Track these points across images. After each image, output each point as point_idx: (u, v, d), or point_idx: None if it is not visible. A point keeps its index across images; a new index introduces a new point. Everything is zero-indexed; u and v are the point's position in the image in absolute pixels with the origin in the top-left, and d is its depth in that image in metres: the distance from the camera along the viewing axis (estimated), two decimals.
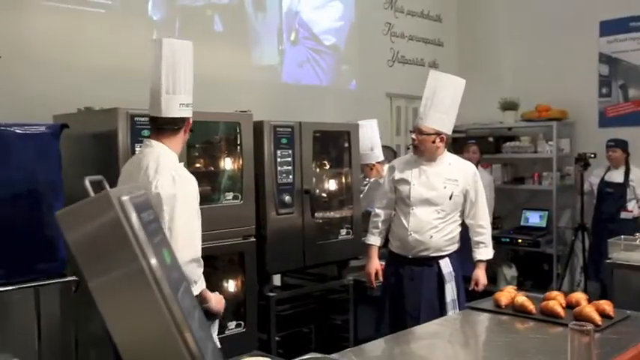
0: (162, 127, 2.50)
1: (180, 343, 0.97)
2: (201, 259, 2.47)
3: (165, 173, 2.38)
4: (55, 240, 2.87)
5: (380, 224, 3.54)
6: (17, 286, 2.97)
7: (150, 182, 2.35)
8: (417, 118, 3.40)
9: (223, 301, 2.69)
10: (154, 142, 2.50)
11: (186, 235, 2.37)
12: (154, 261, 0.92)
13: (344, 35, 5.68)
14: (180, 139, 2.56)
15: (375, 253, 3.58)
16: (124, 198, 0.89)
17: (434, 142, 3.28)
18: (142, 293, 0.94)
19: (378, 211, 3.58)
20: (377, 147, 4.48)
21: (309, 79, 5.35)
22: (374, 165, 4.48)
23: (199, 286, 2.46)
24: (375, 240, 3.57)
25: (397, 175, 3.42)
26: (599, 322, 2.22)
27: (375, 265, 3.55)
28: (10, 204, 2.92)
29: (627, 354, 1.94)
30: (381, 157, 4.52)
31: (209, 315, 2.56)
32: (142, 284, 0.93)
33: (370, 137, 4.44)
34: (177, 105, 2.50)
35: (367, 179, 4.60)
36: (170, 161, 2.45)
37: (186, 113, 2.54)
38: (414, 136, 3.35)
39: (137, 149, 3.04)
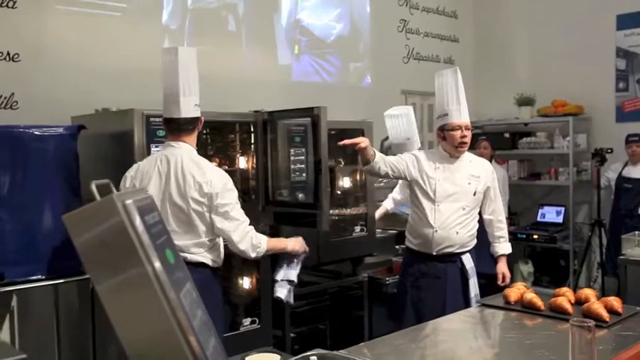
0: (182, 127, 2.75)
1: (184, 346, 1.01)
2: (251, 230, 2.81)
3: (215, 170, 2.77)
4: None
5: (386, 160, 3.30)
6: (36, 284, 3.06)
7: (201, 181, 2.67)
8: (454, 115, 3.29)
9: (296, 242, 3.05)
10: (181, 144, 2.75)
11: (243, 220, 2.76)
12: (157, 265, 0.97)
13: (357, 32, 5.70)
14: (195, 136, 2.82)
15: None
16: (128, 202, 0.94)
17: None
18: (146, 297, 0.98)
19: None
20: (414, 136, 4.25)
21: (321, 79, 5.39)
22: None
23: (263, 248, 2.81)
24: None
25: (420, 169, 3.33)
26: (607, 319, 2.23)
27: None
28: (29, 204, 3.01)
29: (633, 349, 1.94)
30: (419, 145, 4.28)
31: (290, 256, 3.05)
32: (147, 288, 0.97)
33: (405, 126, 4.24)
34: (192, 105, 2.75)
35: None
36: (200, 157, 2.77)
37: (199, 112, 2.81)
38: (466, 132, 3.27)
39: (154, 149, 3.13)
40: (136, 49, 4.00)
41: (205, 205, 2.69)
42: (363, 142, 3.12)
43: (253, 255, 2.79)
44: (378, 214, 4.40)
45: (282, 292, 3.08)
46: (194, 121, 2.77)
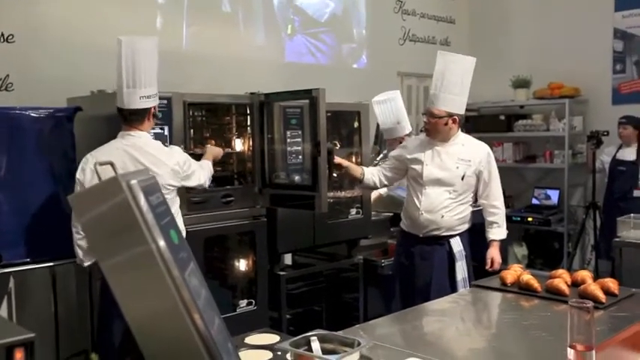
0: (128, 117, 2.80)
1: (188, 322, 1.02)
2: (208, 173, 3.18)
3: (172, 149, 2.97)
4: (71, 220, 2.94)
5: (377, 170, 3.56)
6: (34, 266, 3.06)
7: (173, 166, 2.87)
8: (428, 101, 3.39)
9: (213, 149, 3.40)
10: (140, 132, 2.83)
11: (202, 172, 3.09)
12: (162, 243, 0.97)
13: (352, 13, 5.66)
14: (147, 125, 2.87)
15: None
16: (133, 182, 0.93)
17: (446, 124, 3.28)
18: (150, 274, 0.99)
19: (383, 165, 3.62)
20: (403, 119, 4.25)
21: (316, 61, 5.36)
22: (403, 138, 4.17)
23: (211, 170, 3.22)
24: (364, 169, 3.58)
25: (410, 155, 3.42)
26: (604, 300, 2.24)
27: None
28: (26, 186, 3.00)
29: (629, 330, 1.96)
30: (409, 129, 4.30)
31: None
32: (151, 265, 0.97)
33: (394, 110, 4.24)
34: (137, 98, 2.76)
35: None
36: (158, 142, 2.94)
37: (148, 104, 2.82)
38: (425, 119, 3.35)
39: (150, 132, 3.13)
40: (131, 30, 3.94)
41: (177, 185, 2.90)
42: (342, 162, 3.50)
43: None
44: (373, 197, 4.40)
45: None
46: (140, 112, 2.80)
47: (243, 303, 3.61)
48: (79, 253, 2.79)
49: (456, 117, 3.30)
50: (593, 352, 1.54)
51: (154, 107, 2.87)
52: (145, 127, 2.85)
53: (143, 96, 2.76)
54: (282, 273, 3.84)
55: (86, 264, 2.78)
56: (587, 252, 6.14)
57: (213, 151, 3.37)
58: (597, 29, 6.00)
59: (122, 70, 2.74)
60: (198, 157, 3.34)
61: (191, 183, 3.00)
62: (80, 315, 3.50)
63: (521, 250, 6.21)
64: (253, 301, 3.65)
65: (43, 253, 3.03)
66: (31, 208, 3.00)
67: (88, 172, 2.72)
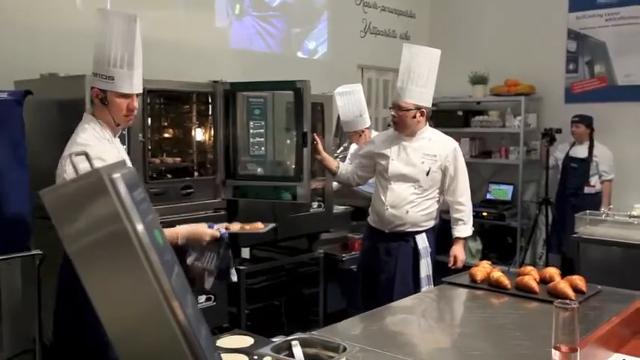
0: None
1: (167, 313, 0.92)
2: None
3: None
4: (20, 213, 2.75)
5: (351, 169, 3.59)
6: None
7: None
8: (395, 94, 3.35)
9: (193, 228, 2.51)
10: (84, 115, 2.45)
11: None
12: (140, 227, 0.87)
13: (315, 5, 5.57)
14: (96, 109, 2.44)
15: None
16: (115, 175, 0.83)
17: (414, 117, 3.24)
18: (127, 258, 0.88)
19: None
20: (365, 112, 4.27)
21: (277, 50, 5.24)
22: (363, 131, 4.25)
23: None
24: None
25: (377, 150, 3.40)
26: (573, 298, 2.24)
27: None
28: None
29: (602, 329, 1.96)
30: (369, 122, 4.33)
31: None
32: (127, 249, 0.87)
33: (355, 102, 4.24)
34: (91, 74, 2.44)
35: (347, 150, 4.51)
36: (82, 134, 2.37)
37: (93, 83, 2.43)
38: (393, 112, 3.29)
39: None
40: (85, 10, 3.74)
41: None
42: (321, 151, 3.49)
43: None
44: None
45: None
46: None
47: (202, 298, 3.50)
48: None
49: (423, 110, 3.26)
50: (578, 353, 1.52)
51: (99, 89, 2.40)
52: (95, 110, 2.42)
53: (93, 73, 2.43)
54: (242, 267, 3.73)
55: None
56: (538, 247, 6.27)
57: (192, 232, 2.51)
58: (552, 29, 6.13)
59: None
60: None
61: None
62: (26, 313, 3.29)
63: (475, 245, 6.29)
64: (213, 297, 3.53)
65: None
66: None
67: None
